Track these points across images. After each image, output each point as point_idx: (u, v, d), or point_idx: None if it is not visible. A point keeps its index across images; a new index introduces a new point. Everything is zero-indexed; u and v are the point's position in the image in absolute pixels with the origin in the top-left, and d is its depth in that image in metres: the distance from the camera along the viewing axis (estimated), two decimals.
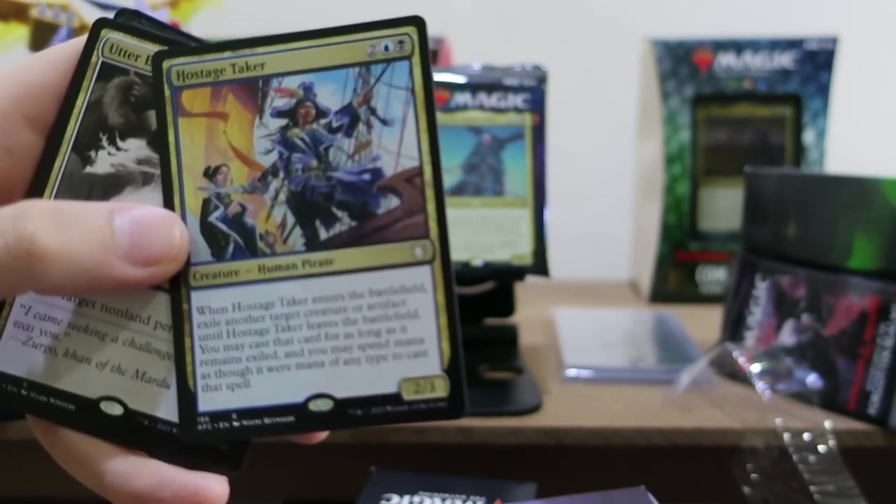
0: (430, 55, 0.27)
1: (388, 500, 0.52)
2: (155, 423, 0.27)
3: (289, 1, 1.12)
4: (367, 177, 0.27)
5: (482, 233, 0.66)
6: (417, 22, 0.27)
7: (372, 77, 0.27)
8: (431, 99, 0.27)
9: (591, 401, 0.64)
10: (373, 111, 0.27)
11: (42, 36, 0.76)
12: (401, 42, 0.27)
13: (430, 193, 0.27)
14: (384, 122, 0.27)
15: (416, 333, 0.26)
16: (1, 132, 0.27)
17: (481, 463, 0.62)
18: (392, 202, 0.27)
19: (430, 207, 0.27)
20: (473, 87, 0.68)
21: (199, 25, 0.79)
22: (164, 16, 0.77)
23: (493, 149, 0.67)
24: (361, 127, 0.27)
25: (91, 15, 0.79)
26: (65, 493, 0.61)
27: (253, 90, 0.28)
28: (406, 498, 0.52)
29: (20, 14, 0.77)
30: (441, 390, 0.26)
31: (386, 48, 0.27)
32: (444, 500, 0.52)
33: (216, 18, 0.81)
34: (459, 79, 0.68)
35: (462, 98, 0.68)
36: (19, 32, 0.77)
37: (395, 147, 0.27)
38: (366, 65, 0.27)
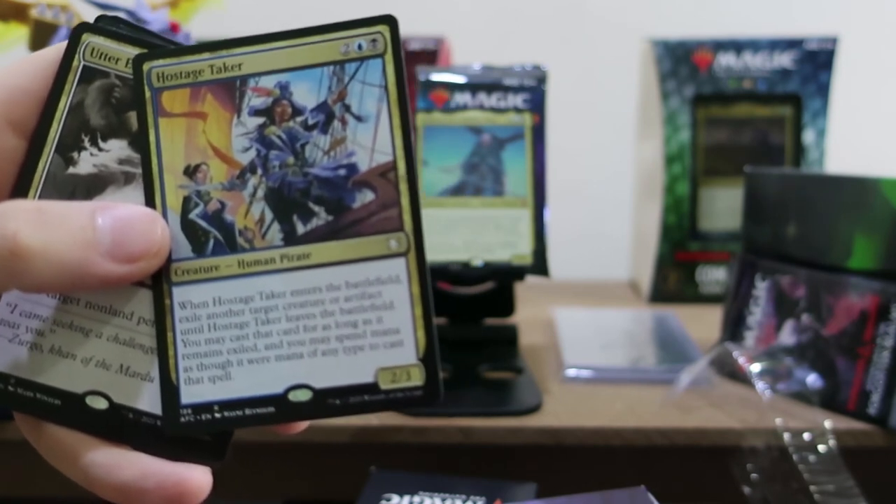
0: (402, 53, 0.28)
1: (388, 500, 0.52)
2: (139, 416, 0.28)
3: (289, 1, 1.12)
4: (342, 172, 0.28)
5: (482, 233, 0.66)
6: (390, 21, 0.28)
7: (346, 75, 0.28)
8: (404, 95, 0.28)
9: (591, 401, 0.64)
10: (347, 108, 0.28)
11: (42, 36, 0.76)
12: (374, 41, 0.28)
13: (403, 187, 0.27)
14: (358, 118, 0.28)
15: (391, 324, 0.27)
16: None
17: (481, 463, 0.62)
18: (367, 196, 0.28)
19: (405, 201, 0.27)
20: (473, 87, 0.68)
21: (200, 26, 0.79)
22: (164, 16, 0.76)
23: (493, 149, 0.67)
24: (336, 124, 0.28)
25: (91, 15, 0.78)
26: (64, 494, 0.61)
27: (231, 90, 0.28)
28: (406, 498, 0.52)
29: (20, 14, 0.77)
30: (417, 379, 0.27)
31: (359, 47, 0.28)
32: (444, 500, 0.52)
33: (216, 18, 0.81)
34: (459, 79, 0.68)
35: (462, 98, 0.68)
36: (19, 32, 0.77)
37: (370, 143, 0.28)
38: (340, 63, 0.28)
